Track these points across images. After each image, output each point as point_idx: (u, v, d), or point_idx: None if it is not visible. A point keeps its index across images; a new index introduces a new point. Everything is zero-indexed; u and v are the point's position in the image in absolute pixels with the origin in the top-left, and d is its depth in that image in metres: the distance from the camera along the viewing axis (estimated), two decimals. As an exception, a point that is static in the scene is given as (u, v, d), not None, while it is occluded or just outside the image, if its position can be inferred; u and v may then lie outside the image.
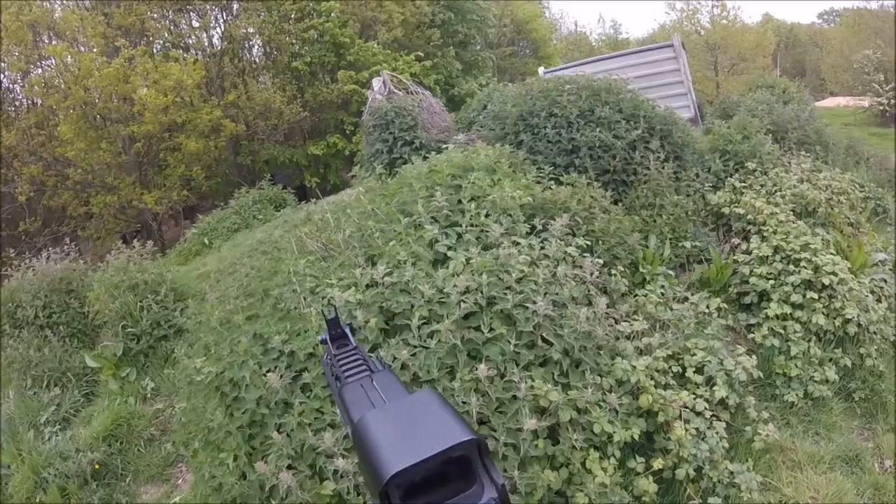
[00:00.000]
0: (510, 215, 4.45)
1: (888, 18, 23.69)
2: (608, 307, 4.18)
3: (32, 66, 15.88)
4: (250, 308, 4.65)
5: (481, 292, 3.58)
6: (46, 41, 16.09)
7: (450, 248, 4.12)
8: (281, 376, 3.72)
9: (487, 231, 4.14)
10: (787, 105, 9.47)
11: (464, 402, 3.25)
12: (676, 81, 9.51)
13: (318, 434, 3.41)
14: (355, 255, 4.29)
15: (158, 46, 17.19)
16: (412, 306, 3.66)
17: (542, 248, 4.22)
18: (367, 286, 3.92)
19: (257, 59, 19.94)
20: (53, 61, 15.29)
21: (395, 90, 8.90)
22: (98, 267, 7.70)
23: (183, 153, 14.94)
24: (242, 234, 10.43)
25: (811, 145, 8.54)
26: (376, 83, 9.27)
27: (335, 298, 3.73)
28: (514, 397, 3.32)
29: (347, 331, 1.06)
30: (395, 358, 3.38)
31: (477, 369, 3.30)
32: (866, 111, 19.46)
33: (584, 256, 4.37)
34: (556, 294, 3.68)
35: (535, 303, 3.44)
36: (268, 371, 3.77)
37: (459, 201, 4.56)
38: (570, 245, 4.41)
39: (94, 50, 15.55)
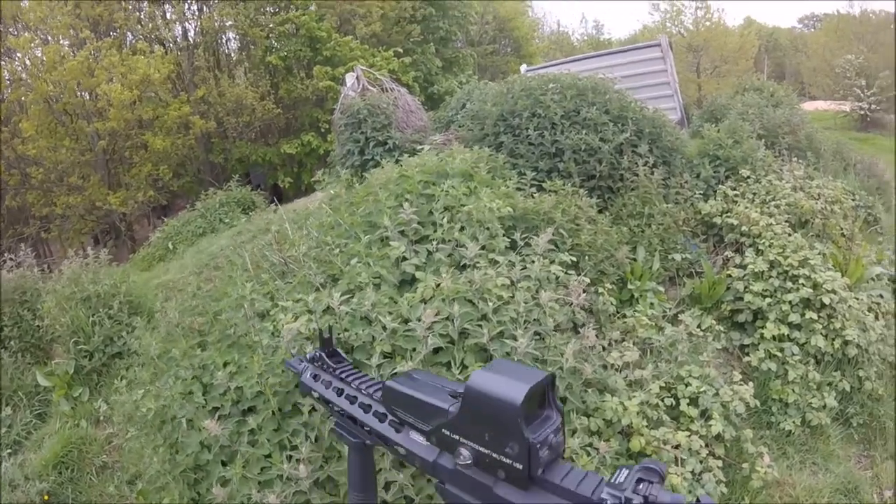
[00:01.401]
0: (488, 228, 3.98)
1: (870, 24, 23.78)
2: (596, 332, 3.76)
3: None
4: (194, 335, 4.21)
5: (453, 323, 3.13)
6: (13, 32, 15.32)
7: (418, 267, 3.65)
8: (226, 415, 3.33)
9: (462, 248, 3.67)
10: (776, 109, 9.18)
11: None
12: (663, 83, 9.14)
13: (263, 489, 2.97)
14: (313, 275, 3.80)
15: (131, 39, 16.47)
16: (373, 339, 3.19)
17: (524, 266, 3.77)
18: (324, 311, 3.44)
19: (232, 54, 19.31)
20: (18, 54, 14.59)
21: (369, 87, 8.41)
22: (52, 275, 7.17)
23: (149, 151, 14.27)
24: (208, 238, 9.87)
25: (802, 151, 8.26)
26: (349, 79, 8.77)
27: (284, 328, 3.25)
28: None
29: (339, 350, 1.16)
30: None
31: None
32: (846, 115, 19.46)
33: (570, 274, 3.96)
34: (539, 325, 3.22)
35: (514, 337, 2.99)
36: (215, 408, 3.39)
37: (431, 212, 4.09)
38: (555, 262, 3.98)
39: (63, 42, 14.87)
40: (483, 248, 3.92)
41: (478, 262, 3.57)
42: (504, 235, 4.08)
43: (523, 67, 10.25)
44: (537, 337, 3.25)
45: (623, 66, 8.84)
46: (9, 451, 5.56)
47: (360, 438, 1.06)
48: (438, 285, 3.31)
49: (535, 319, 3.32)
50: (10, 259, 7.36)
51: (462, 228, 3.89)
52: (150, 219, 18.17)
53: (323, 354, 1.14)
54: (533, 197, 4.71)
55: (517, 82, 6.82)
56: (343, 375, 1.07)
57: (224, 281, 4.93)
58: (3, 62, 14.91)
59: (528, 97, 6.27)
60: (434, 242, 3.75)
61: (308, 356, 1.15)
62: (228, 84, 15.98)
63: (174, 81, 16.02)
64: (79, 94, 14.11)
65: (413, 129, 7.61)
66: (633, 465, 0.71)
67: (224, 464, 3.34)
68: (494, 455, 0.78)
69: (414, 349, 3.12)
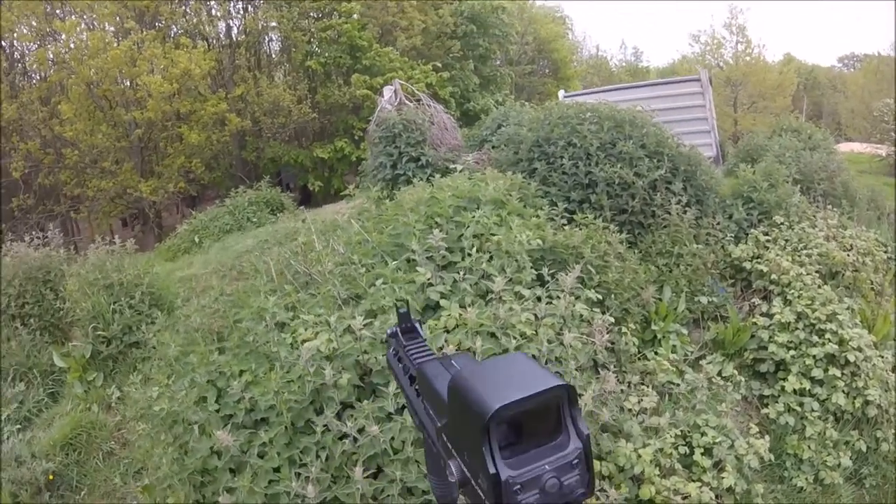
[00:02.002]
0: (516, 260, 3.98)
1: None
2: (615, 372, 3.74)
3: (41, 41, 15.44)
4: (212, 339, 4.30)
5: (475, 356, 3.12)
6: (60, 14, 15.70)
7: (443, 295, 3.66)
8: (239, 424, 3.37)
9: (489, 279, 3.68)
10: (813, 152, 9.04)
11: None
12: (701, 118, 9.07)
13: (269, 502, 3.00)
14: (336, 292, 3.83)
15: (175, 33, 16.79)
16: None
17: (549, 300, 3.76)
18: (345, 331, 3.47)
19: (273, 55, 19.59)
20: (63, 37, 14.92)
21: (406, 101, 8.48)
22: (77, 258, 7.27)
23: (184, 144, 14.49)
24: (234, 236, 9.97)
25: (837, 198, 8.11)
26: (387, 91, 8.85)
27: (303, 347, 3.28)
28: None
29: (417, 325, 1.05)
30: (362, 428, 2.93)
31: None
32: (883, 160, 19.07)
33: (595, 312, 3.94)
34: (560, 364, 3.21)
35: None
36: (228, 416, 3.42)
37: (460, 238, 4.10)
38: (580, 299, 3.97)
39: (108, 29, 15.20)
40: (510, 280, 3.91)
41: (503, 296, 3.57)
42: (532, 268, 4.07)
43: (561, 93, 10.24)
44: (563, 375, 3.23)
45: (661, 99, 8.79)
46: (17, 426, 5.60)
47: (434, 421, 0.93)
48: (461, 316, 3.31)
49: (556, 358, 3.32)
50: (38, 238, 7.40)
51: (490, 259, 3.89)
52: (179, 208, 18.47)
53: (398, 331, 1.03)
54: (563, 229, 4.71)
55: (554, 109, 6.80)
56: (411, 355, 0.96)
57: (247, 287, 4.98)
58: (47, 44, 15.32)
59: (565, 125, 6.24)
60: (461, 272, 3.75)
61: (388, 332, 1.06)
62: (267, 85, 16.20)
63: (214, 78, 16.27)
64: (120, 81, 14.40)
65: (447, 146, 7.64)
66: None
67: (232, 472, 3.35)
68: (472, 482, 0.65)
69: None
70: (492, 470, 0.60)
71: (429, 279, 3.79)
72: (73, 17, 15.41)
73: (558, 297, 3.73)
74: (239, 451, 3.29)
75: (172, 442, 3.63)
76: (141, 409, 4.28)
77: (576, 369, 3.38)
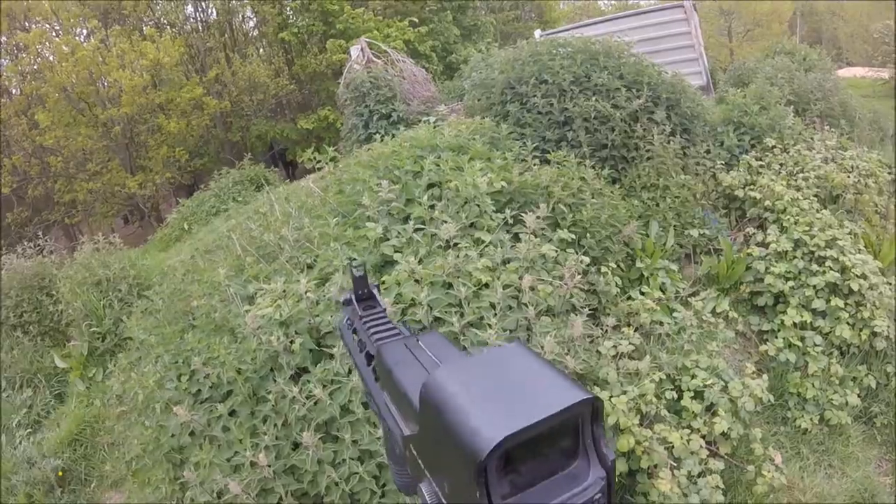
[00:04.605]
0: (477, 206, 3.66)
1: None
2: (595, 316, 3.44)
3: (11, 56, 15.32)
4: (179, 320, 4.29)
5: (430, 308, 2.84)
6: (27, 25, 15.49)
7: (397, 249, 3.37)
8: (208, 399, 3.36)
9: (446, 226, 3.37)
10: (808, 73, 8.55)
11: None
12: (687, 45, 8.53)
13: (233, 474, 2.93)
14: (290, 259, 3.59)
15: (142, 26, 16.41)
16: None
17: (514, 245, 3.45)
18: (297, 297, 3.22)
19: (248, 33, 19.10)
20: (31, 48, 14.68)
21: (374, 59, 8.05)
22: (72, 261, 7.30)
23: (164, 134, 14.22)
24: (221, 218, 9.77)
25: (835, 119, 7.67)
26: (354, 52, 8.42)
27: (248, 316, 3.06)
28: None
29: (376, 292, 0.89)
30: (310, 394, 2.69)
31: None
32: (885, 83, 18.37)
33: (568, 253, 3.63)
34: (521, 311, 2.91)
35: (491, 326, 2.68)
36: (198, 391, 3.40)
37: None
38: (552, 241, 3.66)
39: (81, 32, 14.98)
40: (472, 225, 3.62)
41: (459, 243, 3.26)
42: (496, 212, 3.76)
43: (537, 33, 9.68)
44: (525, 322, 2.93)
45: (643, 29, 8.29)
46: (28, 430, 5.76)
47: None
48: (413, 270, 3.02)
49: (521, 304, 3.01)
50: (31, 247, 7.60)
51: (447, 206, 3.58)
52: (177, 196, 18.32)
53: (353, 299, 0.86)
54: (532, 169, 4.36)
55: (525, 48, 6.38)
56: (368, 329, 0.79)
57: (209, 265, 4.86)
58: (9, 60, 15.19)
59: (536, 63, 5.85)
60: (411, 222, 3.46)
61: (343, 298, 0.87)
62: (241, 63, 15.75)
63: (187, 64, 15.90)
64: (92, 82, 14.16)
65: (420, 100, 7.25)
66: None
67: (203, 447, 3.28)
68: None
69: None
70: None
71: (381, 234, 3.53)
72: (36, 26, 15.19)
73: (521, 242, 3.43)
74: (205, 426, 3.25)
75: (145, 424, 3.61)
76: (116, 394, 4.40)
77: (547, 313, 3.08)
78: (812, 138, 6.50)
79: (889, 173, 7.08)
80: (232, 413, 3.30)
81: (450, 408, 0.48)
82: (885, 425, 4.45)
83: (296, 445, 3.07)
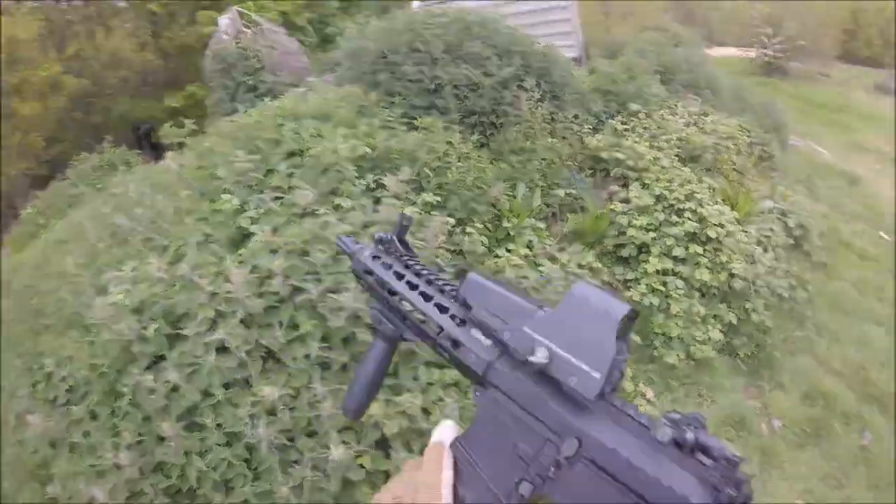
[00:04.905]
0: (339, 171, 3.54)
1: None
2: (463, 275, 3.40)
3: None
4: (26, 321, 3.91)
5: (287, 277, 2.70)
6: None
7: (253, 220, 3.20)
8: (65, 403, 3.06)
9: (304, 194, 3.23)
10: (677, 48, 9.02)
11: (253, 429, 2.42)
12: (563, 19, 8.77)
13: (98, 480, 2.64)
14: (142, 241, 3.32)
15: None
16: (199, 306, 2.74)
17: (377, 211, 3.36)
18: (151, 282, 2.98)
19: (114, 6, 17.64)
20: None
21: (245, 29, 7.65)
22: None
23: (18, 118, 12.86)
24: (80, 208, 8.96)
25: (700, 89, 8.13)
26: (223, 22, 7.94)
27: (96, 303, 2.80)
28: (319, 416, 2.49)
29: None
30: (166, 381, 2.50)
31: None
32: (752, 61, 19.91)
33: (434, 215, 3.58)
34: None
35: (348, 289, 2.59)
36: (53, 398, 3.12)
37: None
38: (416, 203, 3.60)
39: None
40: (333, 192, 3.50)
41: (317, 210, 3.13)
42: (359, 178, 3.65)
43: (415, 3, 9.57)
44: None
45: (520, 2, 8.40)
46: None
47: (398, 331, 0.91)
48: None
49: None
50: None
51: (305, 174, 3.44)
52: (35, 192, 16.63)
53: (395, 238, 0.94)
54: (398, 135, 4.28)
55: (400, 17, 6.28)
56: (407, 262, 0.90)
57: (62, 256, 4.43)
58: None
59: (410, 32, 5.76)
60: (268, 191, 3.29)
61: (376, 236, 0.95)
62: (104, 36, 14.46)
63: (44, 39, 14.41)
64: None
65: (290, 71, 6.96)
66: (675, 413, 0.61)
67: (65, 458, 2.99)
68: (574, 360, 0.64)
69: (234, 312, 2.70)
70: (615, 350, 0.62)
71: (238, 206, 3.34)
72: None
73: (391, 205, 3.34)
74: (65, 433, 2.97)
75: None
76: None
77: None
78: (676, 105, 6.86)
79: (748, 137, 7.63)
80: (92, 414, 3.01)
81: (596, 296, 0.62)
82: (749, 356, 4.86)
83: (161, 439, 2.82)
